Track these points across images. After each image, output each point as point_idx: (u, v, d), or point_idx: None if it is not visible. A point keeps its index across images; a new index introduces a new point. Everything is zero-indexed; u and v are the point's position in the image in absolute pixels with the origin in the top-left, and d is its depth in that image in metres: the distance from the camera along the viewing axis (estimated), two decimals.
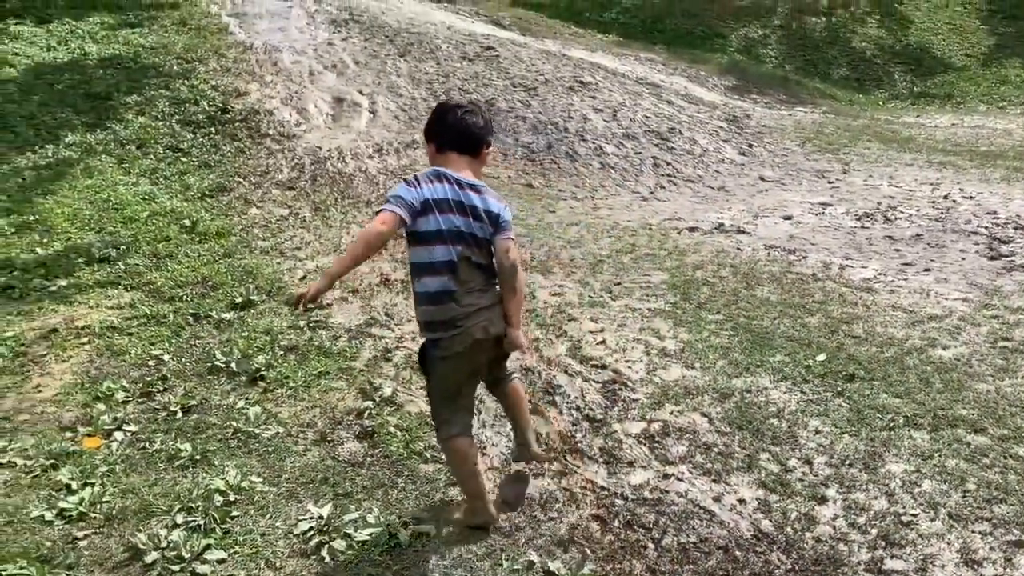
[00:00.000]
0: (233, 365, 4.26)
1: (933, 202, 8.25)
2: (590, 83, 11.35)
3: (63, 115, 7.99)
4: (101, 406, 3.90)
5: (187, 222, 6.24)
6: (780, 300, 5.27)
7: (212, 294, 5.14)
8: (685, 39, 18.87)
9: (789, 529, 3.16)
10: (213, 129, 8.15)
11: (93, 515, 3.11)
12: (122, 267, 5.50)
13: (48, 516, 3.09)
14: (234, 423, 3.77)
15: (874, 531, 3.14)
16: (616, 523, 3.20)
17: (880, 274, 5.89)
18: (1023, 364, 4.39)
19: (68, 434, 3.68)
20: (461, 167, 2.95)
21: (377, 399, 3.99)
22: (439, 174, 2.89)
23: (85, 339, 4.57)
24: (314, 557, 2.94)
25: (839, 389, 4.13)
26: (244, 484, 3.30)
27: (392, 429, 3.74)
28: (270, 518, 3.13)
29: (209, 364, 4.30)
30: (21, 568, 2.80)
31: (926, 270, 6.01)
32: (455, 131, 2.96)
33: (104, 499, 3.20)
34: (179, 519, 3.08)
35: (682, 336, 4.73)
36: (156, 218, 6.31)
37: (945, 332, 4.81)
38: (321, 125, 8.74)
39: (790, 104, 14.47)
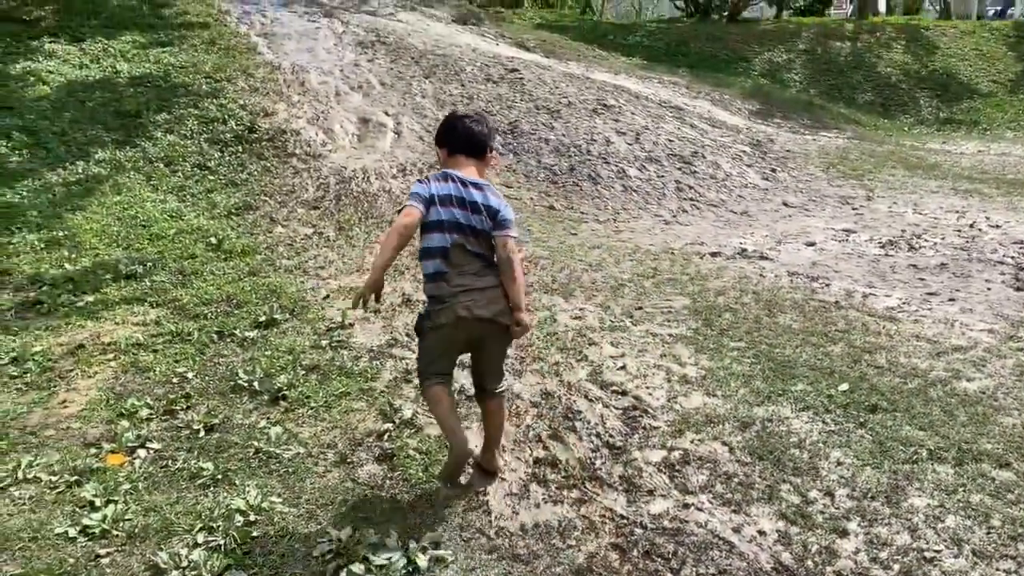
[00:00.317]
0: (256, 384, 4.30)
1: (958, 231, 8.18)
2: (613, 106, 11.39)
3: (94, 132, 8.12)
4: (125, 423, 3.94)
5: (213, 240, 6.32)
6: (802, 328, 5.24)
7: (236, 312, 5.19)
8: (709, 62, 18.93)
9: (810, 562, 3.14)
10: (240, 148, 8.25)
11: (116, 533, 3.14)
12: (148, 284, 5.58)
13: (71, 533, 3.13)
14: (256, 443, 3.79)
15: (896, 567, 3.10)
16: (635, 553, 3.18)
17: (904, 303, 5.85)
18: None
19: (92, 450, 3.73)
20: (468, 169, 3.36)
21: (397, 421, 4.00)
22: (446, 175, 3.31)
23: (111, 355, 4.63)
24: None
25: (861, 420, 4.09)
26: (264, 505, 3.32)
27: (412, 452, 3.75)
28: (289, 540, 3.15)
29: (232, 383, 4.34)
30: None
31: (951, 300, 5.96)
32: (463, 138, 3.39)
33: (127, 517, 3.23)
34: (200, 538, 3.10)
35: (703, 363, 4.71)
36: (183, 235, 6.39)
37: (970, 364, 4.76)
38: (346, 145, 8.83)
39: (814, 129, 14.43)
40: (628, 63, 16.80)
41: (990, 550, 3.18)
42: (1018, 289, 6.21)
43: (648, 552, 3.18)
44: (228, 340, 4.85)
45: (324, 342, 4.83)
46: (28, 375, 4.39)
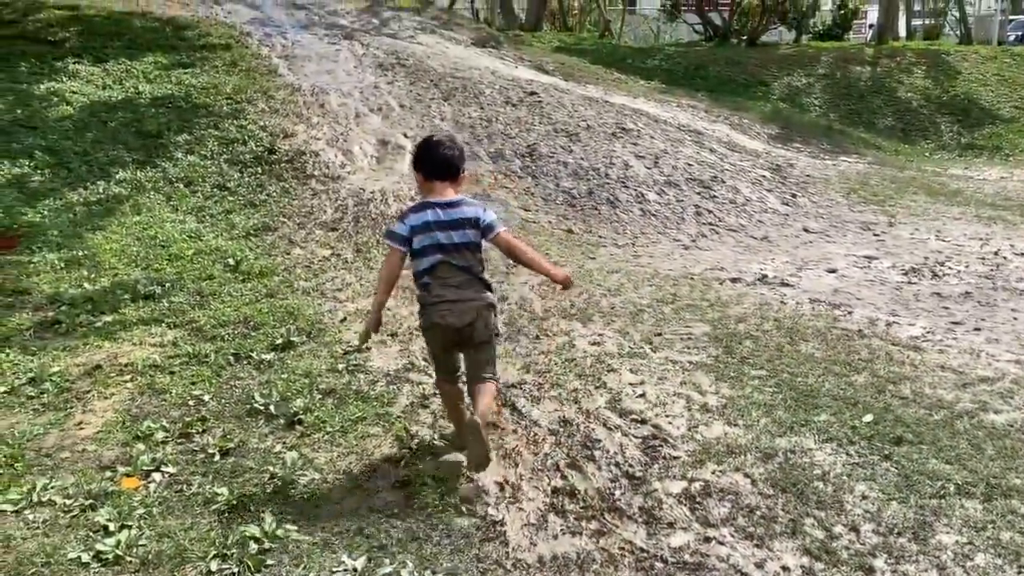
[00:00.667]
0: (272, 408, 4.27)
1: (983, 258, 8.08)
2: (632, 129, 11.37)
3: (115, 152, 8.18)
4: (141, 446, 3.92)
5: (231, 261, 6.32)
6: (825, 357, 5.16)
7: (253, 334, 5.18)
8: (728, 86, 18.91)
9: None
10: (260, 169, 8.29)
11: (129, 559, 3.11)
12: (166, 304, 5.57)
13: (85, 558, 3.09)
14: (271, 467, 3.76)
15: None
16: None
17: (928, 332, 5.75)
18: None
19: (107, 473, 3.70)
20: (444, 192, 3.69)
21: (414, 447, 3.96)
22: (424, 204, 3.67)
23: (128, 376, 4.62)
24: None
25: (886, 452, 4.00)
26: (279, 532, 3.27)
27: (428, 480, 3.69)
28: (304, 568, 3.10)
29: (248, 406, 4.31)
30: None
31: (976, 329, 5.86)
32: (439, 163, 3.71)
33: (140, 542, 3.20)
34: (213, 566, 3.06)
35: (724, 391, 4.64)
36: (201, 256, 6.40)
37: (997, 396, 4.66)
38: (365, 167, 8.85)
39: (834, 154, 14.35)
40: (647, 86, 16.82)
41: None
42: None
43: None
44: (245, 362, 4.83)
45: (341, 365, 4.81)
46: (45, 396, 4.38)
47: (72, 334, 5.11)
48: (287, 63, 11.43)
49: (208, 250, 6.52)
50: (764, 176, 11.11)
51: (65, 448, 3.92)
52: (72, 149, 8.05)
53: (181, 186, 7.76)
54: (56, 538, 3.23)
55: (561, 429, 4.17)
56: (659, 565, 3.23)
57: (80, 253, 6.22)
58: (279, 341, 5.05)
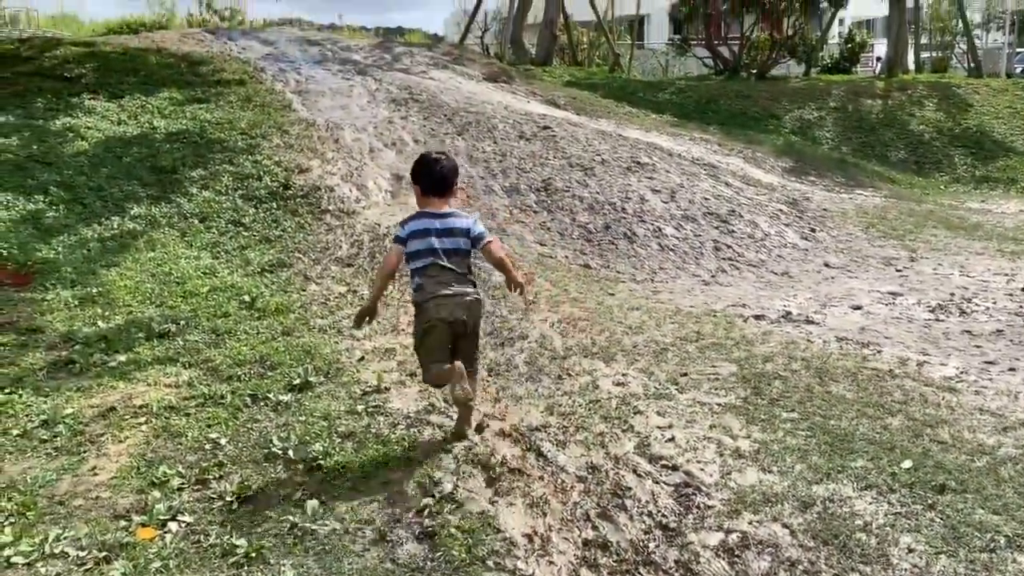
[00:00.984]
0: (290, 452, 4.13)
1: (1010, 294, 7.93)
2: (647, 163, 11.31)
3: (130, 188, 8.14)
4: (156, 493, 3.79)
5: (247, 298, 6.22)
6: (857, 398, 5.01)
7: (270, 374, 5.06)
8: (739, 119, 18.90)
9: None
10: (274, 204, 8.23)
11: None
12: (181, 343, 5.47)
13: None
14: (290, 517, 3.62)
15: None
16: None
17: (962, 372, 5.60)
18: None
19: (122, 523, 3.56)
20: (439, 204, 4.15)
21: (437, 495, 3.81)
22: (421, 214, 4.15)
23: (143, 419, 4.49)
24: None
25: (930, 502, 3.84)
26: None
27: (453, 530, 3.55)
28: None
29: (266, 450, 4.18)
30: None
31: (1011, 369, 5.70)
32: (435, 178, 4.15)
33: None
34: None
35: (756, 435, 4.49)
36: (216, 293, 6.31)
37: None
38: (380, 202, 8.78)
39: (849, 187, 14.26)
40: (659, 120, 16.80)
41: None
42: None
43: None
44: (262, 404, 4.70)
45: (360, 407, 4.67)
46: (58, 439, 4.26)
47: (86, 374, 5.01)
48: (301, 98, 11.44)
49: (223, 287, 6.43)
50: (781, 210, 11.01)
51: (79, 495, 3.79)
52: (87, 185, 8.02)
53: (196, 222, 7.70)
54: None
55: (590, 476, 4.02)
56: None
57: (94, 290, 6.13)
58: (296, 381, 4.93)
